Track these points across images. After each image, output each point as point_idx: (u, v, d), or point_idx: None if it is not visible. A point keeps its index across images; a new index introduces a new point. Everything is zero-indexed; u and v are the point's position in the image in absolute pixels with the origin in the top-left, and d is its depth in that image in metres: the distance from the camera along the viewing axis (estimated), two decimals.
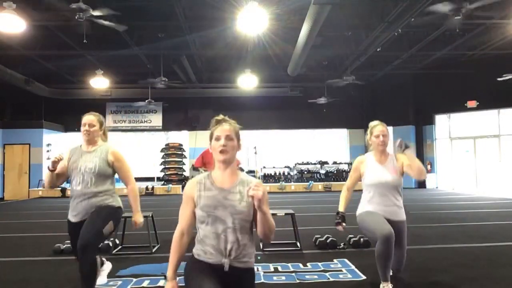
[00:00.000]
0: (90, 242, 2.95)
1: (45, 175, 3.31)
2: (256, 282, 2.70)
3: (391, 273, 3.40)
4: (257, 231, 2.09)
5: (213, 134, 2.18)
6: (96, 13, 7.12)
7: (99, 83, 12.99)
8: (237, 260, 2.05)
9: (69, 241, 5.15)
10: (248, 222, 2.10)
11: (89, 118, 3.31)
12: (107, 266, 3.74)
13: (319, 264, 4.31)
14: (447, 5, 7.22)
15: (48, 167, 3.17)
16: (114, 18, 7.99)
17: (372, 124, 3.56)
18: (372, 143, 3.51)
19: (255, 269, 2.51)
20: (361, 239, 5.12)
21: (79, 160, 3.22)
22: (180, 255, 2.19)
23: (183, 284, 2.11)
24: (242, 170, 2.28)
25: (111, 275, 3.87)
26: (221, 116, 2.23)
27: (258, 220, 2.04)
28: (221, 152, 2.11)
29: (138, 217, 3.31)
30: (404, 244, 3.46)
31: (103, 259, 3.69)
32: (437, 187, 15.80)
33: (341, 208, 3.54)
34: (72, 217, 3.19)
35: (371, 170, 3.45)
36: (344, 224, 3.49)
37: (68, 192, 15.01)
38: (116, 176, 3.36)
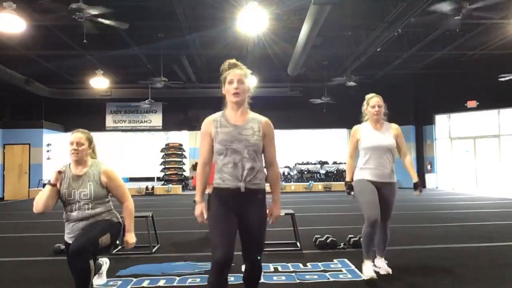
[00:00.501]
0: (83, 247, 2.78)
1: (42, 192, 3.00)
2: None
3: (384, 260, 3.87)
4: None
5: (226, 78, 2.48)
6: (96, 12, 7.12)
7: (99, 83, 12.99)
8: (250, 183, 2.40)
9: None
10: (259, 152, 2.47)
11: (77, 136, 3.04)
12: (106, 266, 3.74)
13: (319, 264, 4.31)
14: (447, 5, 7.22)
15: (50, 181, 2.96)
16: (114, 18, 7.98)
17: (368, 96, 3.90)
18: (368, 113, 3.83)
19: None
20: (361, 239, 5.11)
21: (71, 186, 2.98)
22: (205, 182, 2.54)
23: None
24: None
25: (111, 275, 3.88)
26: (233, 60, 2.53)
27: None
28: (234, 94, 2.43)
29: (131, 237, 3.08)
30: (391, 208, 3.76)
31: (102, 259, 3.69)
32: (437, 187, 15.80)
33: (348, 178, 3.90)
34: (69, 238, 3.01)
35: (368, 135, 3.77)
36: (352, 193, 3.83)
37: None
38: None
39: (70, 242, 2.97)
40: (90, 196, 2.98)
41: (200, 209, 2.47)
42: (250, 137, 2.41)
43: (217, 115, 2.51)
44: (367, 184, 3.68)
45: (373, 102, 3.79)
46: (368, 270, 3.66)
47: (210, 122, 2.48)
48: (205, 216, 2.48)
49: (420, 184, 3.87)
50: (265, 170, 2.57)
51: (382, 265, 3.87)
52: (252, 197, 2.42)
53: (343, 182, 16.16)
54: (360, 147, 3.79)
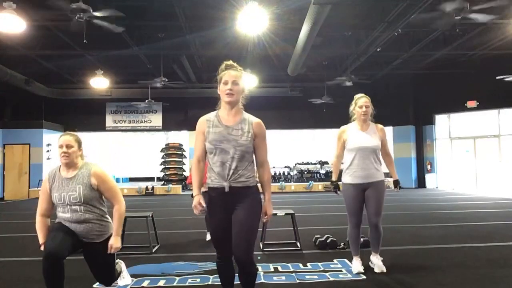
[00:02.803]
0: (110, 279, 3.20)
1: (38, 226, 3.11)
2: (256, 282, 2.72)
3: (379, 257, 3.96)
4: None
5: (221, 78, 2.55)
6: (97, 13, 7.12)
7: (99, 83, 12.98)
8: (235, 181, 2.49)
9: None
10: (248, 153, 2.54)
11: (66, 138, 2.98)
12: (124, 267, 3.62)
13: (319, 264, 4.31)
14: (451, 4, 7.20)
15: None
16: (114, 18, 7.97)
17: (357, 96, 3.99)
18: (355, 113, 3.92)
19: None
20: (361, 239, 5.10)
21: (61, 189, 2.95)
22: (200, 176, 2.62)
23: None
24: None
25: None
26: (230, 62, 2.59)
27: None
28: (228, 95, 2.51)
29: (117, 242, 2.98)
30: (380, 205, 3.81)
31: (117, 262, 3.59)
32: (437, 187, 15.79)
33: (334, 178, 4.04)
34: (66, 225, 2.97)
35: (353, 136, 3.87)
36: (339, 192, 3.99)
37: None
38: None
39: (67, 225, 2.97)
40: (80, 199, 2.91)
41: (197, 201, 2.54)
42: (239, 137, 2.50)
43: (211, 114, 2.60)
44: (351, 190, 3.84)
45: (360, 102, 3.87)
46: (356, 266, 3.94)
47: (204, 121, 2.58)
48: (204, 206, 2.53)
49: (399, 183, 4.10)
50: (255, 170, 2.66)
51: (376, 262, 3.95)
52: (239, 195, 2.50)
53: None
54: (346, 148, 3.90)
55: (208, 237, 5.54)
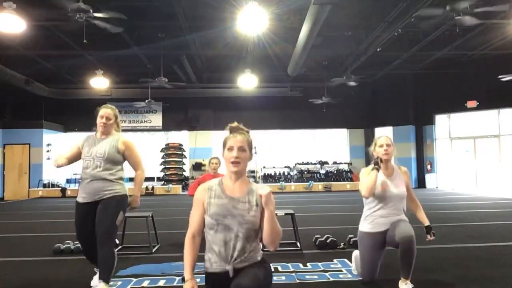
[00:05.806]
0: (105, 235, 3.22)
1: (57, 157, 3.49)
2: None
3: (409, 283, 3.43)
4: (263, 237, 2.14)
5: (226, 143, 2.20)
6: (97, 14, 7.12)
7: (99, 83, 12.99)
8: (240, 263, 2.12)
9: (69, 241, 5.17)
10: (255, 231, 2.16)
11: (106, 111, 3.46)
12: None
13: (319, 264, 4.31)
14: (449, 5, 7.20)
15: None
16: (114, 18, 7.98)
17: (377, 136, 3.68)
18: (376, 154, 3.48)
19: None
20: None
21: (92, 145, 3.42)
22: (194, 256, 2.20)
23: (203, 283, 2.25)
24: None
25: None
26: (235, 124, 2.26)
27: (265, 221, 2.09)
28: (233, 164, 2.15)
29: (135, 202, 3.56)
30: (409, 224, 3.46)
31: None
32: (437, 187, 15.79)
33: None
34: (81, 198, 3.37)
35: (377, 183, 3.41)
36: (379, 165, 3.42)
37: (68, 192, 15.10)
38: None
39: (81, 201, 3.37)
40: (104, 154, 3.35)
41: (190, 287, 2.09)
42: (246, 212, 2.13)
43: (214, 182, 2.24)
44: (369, 240, 3.46)
45: (381, 141, 3.46)
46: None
47: (204, 190, 2.21)
48: None
49: (432, 229, 3.69)
50: (260, 245, 2.29)
51: None
52: (245, 270, 2.11)
53: (343, 183, 16.37)
54: None
55: None
